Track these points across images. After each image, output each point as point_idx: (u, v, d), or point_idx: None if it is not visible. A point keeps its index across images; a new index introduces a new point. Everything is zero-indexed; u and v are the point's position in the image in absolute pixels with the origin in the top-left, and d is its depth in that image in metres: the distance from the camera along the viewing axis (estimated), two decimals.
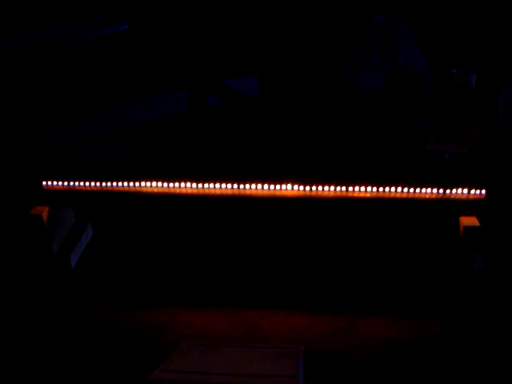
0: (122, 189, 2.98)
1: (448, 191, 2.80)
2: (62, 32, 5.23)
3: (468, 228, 2.72)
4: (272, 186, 2.87)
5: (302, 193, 2.85)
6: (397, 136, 3.73)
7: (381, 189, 2.82)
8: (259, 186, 2.88)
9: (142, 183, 2.96)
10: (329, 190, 2.84)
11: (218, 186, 2.91)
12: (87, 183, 2.99)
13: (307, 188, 2.85)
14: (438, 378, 2.37)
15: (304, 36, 4.31)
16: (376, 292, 2.85)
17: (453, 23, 4.62)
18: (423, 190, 2.81)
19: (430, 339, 2.56)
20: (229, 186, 2.90)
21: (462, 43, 4.48)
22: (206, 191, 2.91)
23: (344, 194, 2.83)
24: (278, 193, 2.86)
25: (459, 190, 2.80)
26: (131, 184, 2.97)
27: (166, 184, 2.95)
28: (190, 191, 2.92)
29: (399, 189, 2.81)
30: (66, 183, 3.00)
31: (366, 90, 4.21)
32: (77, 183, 3.00)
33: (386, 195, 2.83)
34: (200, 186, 2.92)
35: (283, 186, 2.86)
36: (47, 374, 2.44)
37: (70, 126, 4.39)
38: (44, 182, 3.01)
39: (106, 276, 3.04)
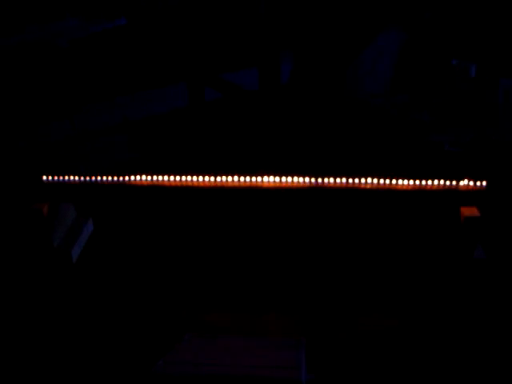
0: (121, 183, 2.98)
1: (449, 183, 2.81)
2: (60, 27, 5.21)
3: (469, 218, 2.73)
4: (271, 178, 2.88)
5: (304, 184, 2.86)
6: (398, 128, 3.73)
7: (381, 181, 2.83)
8: (259, 178, 2.89)
9: (143, 177, 2.96)
10: (329, 181, 2.85)
11: (219, 178, 2.91)
12: (87, 178, 2.99)
13: (308, 180, 2.86)
14: (438, 367, 2.38)
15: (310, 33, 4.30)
16: (377, 285, 2.85)
17: (452, 15, 4.61)
18: (423, 182, 2.82)
19: (430, 329, 2.56)
20: (231, 178, 2.91)
21: (461, 34, 4.47)
22: (207, 184, 2.92)
23: (344, 185, 2.84)
24: (278, 184, 2.87)
25: (460, 182, 2.81)
26: (132, 178, 2.97)
27: (166, 177, 2.95)
28: (190, 184, 2.93)
29: (400, 181, 2.82)
30: (66, 178, 3.00)
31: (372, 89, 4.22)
32: (77, 178, 3.00)
33: (387, 186, 2.83)
34: (201, 179, 2.93)
35: (287, 178, 2.87)
36: (49, 366, 2.45)
37: (69, 121, 4.39)
38: (44, 177, 3.01)
39: (106, 270, 3.04)
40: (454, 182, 2.81)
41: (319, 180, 2.88)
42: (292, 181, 2.88)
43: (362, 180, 2.84)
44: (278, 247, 3.13)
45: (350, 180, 2.85)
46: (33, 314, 2.75)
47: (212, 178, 2.92)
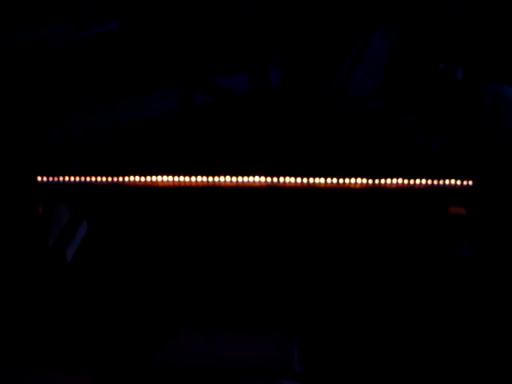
0: (115, 183, 3.02)
1: (436, 182, 2.88)
2: (50, 31, 5.22)
3: (455, 216, 2.80)
4: (262, 178, 2.93)
5: (295, 184, 2.91)
6: (388, 130, 3.80)
7: (370, 181, 2.89)
8: (251, 178, 2.94)
9: (137, 178, 3.00)
10: (319, 181, 2.91)
11: (211, 179, 2.96)
12: (82, 178, 3.02)
13: (300, 180, 2.91)
14: (431, 364, 2.43)
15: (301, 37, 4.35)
16: (367, 283, 2.90)
17: (439, 19, 4.69)
18: (411, 182, 2.88)
19: (419, 326, 2.62)
20: (224, 178, 2.96)
21: (448, 39, 4.55)
22: (200, 184, 2.96)
23: (335, 185, 2.90)
24: (270, 184, 2.92)
25: (447, 181, 2.88)
26: (125, 179, 3.01)
27: (159, 178, 2.99)
28: (183, 183, 2.97)
29: (388, 180, 2.88)
30: (61, 179, 3.03)
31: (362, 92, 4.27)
32: (72, 178, 3.03)
33: (376, 186, 2.89)
34: (193, 179, 2.97)
35: (278, 179, 2.92)
36: (45, 363, 2.48)
37: (61, 124, 4.42)
38: (39, 178, 3.04)
39: (101, 270, 3.08)
40: (441, 181, 2.87)
41: (310, 180, 2.93)
42: (284, 181, 2.93)
43: (352, 180, 2.89)
44: (270, 247, 3.17)
45: (341, 180, 2.91)
46: (27, 312, 2.78)
47: (205, 178, 2.96)
